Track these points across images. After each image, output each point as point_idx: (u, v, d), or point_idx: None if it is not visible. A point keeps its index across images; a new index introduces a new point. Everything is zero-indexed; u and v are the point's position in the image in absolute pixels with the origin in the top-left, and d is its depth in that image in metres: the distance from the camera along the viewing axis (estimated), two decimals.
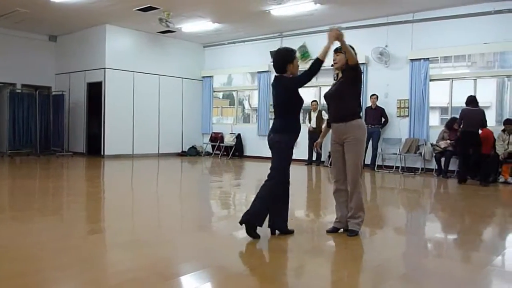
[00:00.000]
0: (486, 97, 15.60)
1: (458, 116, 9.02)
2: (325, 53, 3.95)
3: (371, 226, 4.61)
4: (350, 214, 4.18)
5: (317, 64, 3.96)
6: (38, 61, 13.68)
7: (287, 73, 4.13)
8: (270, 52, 12.87)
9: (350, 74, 4.13)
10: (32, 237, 4.05)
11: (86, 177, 9.39)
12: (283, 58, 4.14)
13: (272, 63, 4.28)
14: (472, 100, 8.87)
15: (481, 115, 8.64)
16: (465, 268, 3.43)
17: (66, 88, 13.49)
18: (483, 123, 8.62)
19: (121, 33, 12.83)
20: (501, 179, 8.65)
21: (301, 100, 4.20)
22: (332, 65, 4.24)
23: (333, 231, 4.27)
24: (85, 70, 13.16)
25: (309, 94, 12.29)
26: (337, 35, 3.94)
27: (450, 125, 9.55)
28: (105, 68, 12.53)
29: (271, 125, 4.42)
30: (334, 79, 4.23)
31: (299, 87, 4.10)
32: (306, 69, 4.02)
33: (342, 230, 4.27)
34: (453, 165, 9.47)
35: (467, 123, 8.63)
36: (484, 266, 3.47)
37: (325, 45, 3.96)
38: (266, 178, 4.11)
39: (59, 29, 13.25)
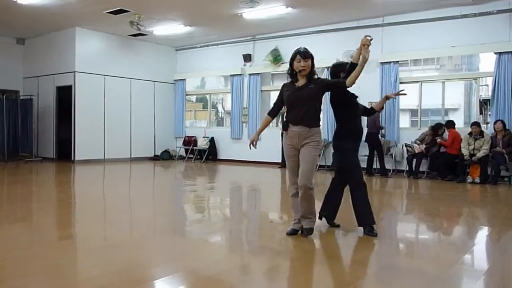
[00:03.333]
0: (455, 99, 16.01)
1: (442, 122, 9.80)
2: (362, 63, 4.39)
3: (343, 227, 4.65)
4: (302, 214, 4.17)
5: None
6: (6, 64, 13.34)
7: None
8: (243, 55, 12.95)
9: (333, 90, 4.47)
10: None
11: (56, 182, 9.18)
12: (338, 69, 4.71)
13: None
14: None
15: (377, 119, 9.98)
16: (434, 266, 3.49)
17: (35, 92, 13.19)
18: (379, 126, 10.07)
19: (91, 36, 12.61)
20: (469, 179, 8.87)
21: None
22: (300, 71, 4.12)
23: (293, 233, 4.25)
24: (54, 74, 12.89)
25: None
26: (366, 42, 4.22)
27: (436, 129, 9.60)
28: (75, 71, 12.30)
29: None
30: (294, 83, 4.18)
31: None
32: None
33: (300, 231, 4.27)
34: (424, 166, 9.70)
35: (369, 126, 9.85)
36: (452, 264, 3.54)
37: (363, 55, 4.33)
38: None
39: (27, 32, 12.96)
